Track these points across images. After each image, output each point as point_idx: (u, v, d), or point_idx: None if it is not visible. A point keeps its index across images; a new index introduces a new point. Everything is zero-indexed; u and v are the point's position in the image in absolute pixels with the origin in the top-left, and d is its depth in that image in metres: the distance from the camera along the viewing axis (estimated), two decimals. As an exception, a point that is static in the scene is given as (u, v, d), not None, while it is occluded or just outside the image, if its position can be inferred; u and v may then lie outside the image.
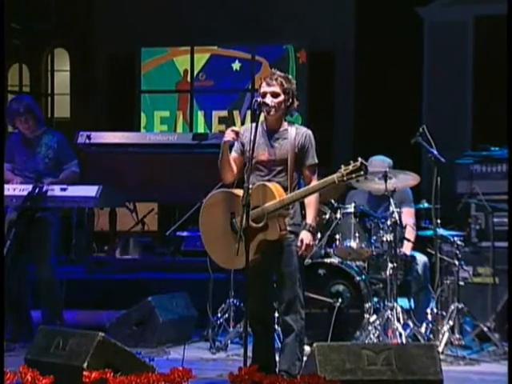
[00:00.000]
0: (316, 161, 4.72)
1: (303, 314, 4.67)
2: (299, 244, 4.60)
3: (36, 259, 6.27)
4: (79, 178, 6.60)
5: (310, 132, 4.74)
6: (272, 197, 4.51)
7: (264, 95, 4.64)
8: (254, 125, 4.55)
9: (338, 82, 11.57)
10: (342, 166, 4.39)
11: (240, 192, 4.49)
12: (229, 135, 4.63)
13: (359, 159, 4.37)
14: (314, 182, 4.65)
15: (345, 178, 4.37)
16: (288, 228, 4.60)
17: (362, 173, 4.35)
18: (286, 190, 4.60)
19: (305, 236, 4.61)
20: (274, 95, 4.64)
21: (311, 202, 4.66)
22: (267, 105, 4.60)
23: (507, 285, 5.87)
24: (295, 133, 4.68)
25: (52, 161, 6.37)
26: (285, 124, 4.74)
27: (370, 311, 5.87)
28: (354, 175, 4.35)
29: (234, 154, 4.79)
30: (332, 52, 11.57)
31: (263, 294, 4.72)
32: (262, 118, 4.63)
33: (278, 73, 4.74)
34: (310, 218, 4.66)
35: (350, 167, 4.36)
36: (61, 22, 12.54)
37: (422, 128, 6.01)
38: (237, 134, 4.63)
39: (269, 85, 4.66)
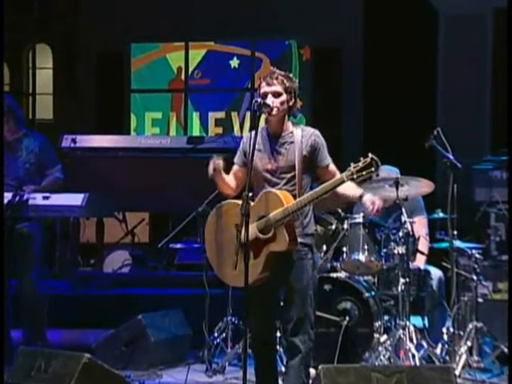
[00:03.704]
0: (330, 159, 4.75)
1: (312, 335, 4.66)
2: (369, 205, 4.68)
3: (17, 274, 6.27)
4: (63, 184, 6.61)
5: (317, 131, 4.76)
6: (279, 204, 4.53)
7: (265, 96, 4.67)
8: (254, 132, 4.56)
9: (345, 81, 11.57)
10: (352, 164, 4.42)
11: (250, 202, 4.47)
12: (210, 171, 4.69)
13: (369, 155, 4.40)
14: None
15: (354, 176, 4.39)
16: (300, 240, 4.60)
17: (372, 169, 4.37)
18: (296, 198, 4.59)
19: (372, 197, 4.71)
20: (276, 95, 4.67)
21: (346, 187, 4.63)
22: (268, 106, 4.61)
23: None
24: (301, 135, 4.71)
25: (33, 166, 6.38)
26: (289, 126, 4.76)
27: (381, 330, 5.88)
28: (364, 172, 4.37)
29: (235, 168, 4.84)
30: (338, 48, 11.56)
31: (268, 312, 4.72)
32: (262, 121, 4.65)
33: (278, 71, 4.78)
34: (358, 189, 4.71)
35: (360, 164, 4.39)
36: (43, 14, 12.55)
37: (437, 130, 6.03)
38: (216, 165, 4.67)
39: (269, 84, 4.69)
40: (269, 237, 4.52)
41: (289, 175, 4.66)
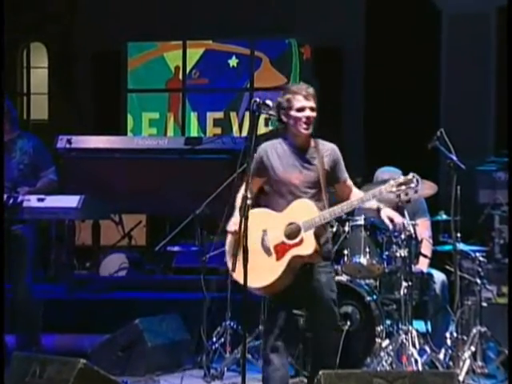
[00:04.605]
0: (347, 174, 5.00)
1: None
2: (387, 222, 4.89)
3: (10, 278, 6.26)
4: (57, 186, 6.60)
5: (336, 146, 4.96)
6: (311, 212, 4.72)
7: (302, 110, 4.81)
8: (275, 141, 4.85)
9: (347, 81, 11.56)
10: (391, 181, 4.73)
11: (273, 212, 4.79)
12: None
13: (411, 173, 4.72)
14: (357, 192, 4.94)
15: (394, 189, 4.70)
16: (325, 253, 4.82)
17: (412, 185, 4.70)
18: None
19: (390, 212, 4.92)
20: (313, 110, 4.85)
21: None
22: (267, 106, 4.68)
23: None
24: (323, 149, 4.88)
25: (27, 167, 6.38)
26: (311, 141, 4.91)
27: (383, 335, 5.87)
28: (403, 187, 4.70)
29: (251, 180, 4.92)
30: (339, 47, 11.56)
31: (288, 320, 4.84)
32: (262, 121, 4.70)
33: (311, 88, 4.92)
34: (375, 202, 4.93)
35: (401, 180, 4.71)
36: (38, 12, 12.53)
37: (440, 131, 6.02)
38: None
39: (307, 99, 4.84)
40: (295, 242, 4.69)
41: (314, 190, 4.83)
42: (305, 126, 4.80)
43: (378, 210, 4.94)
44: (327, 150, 4.88)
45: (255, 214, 4.79)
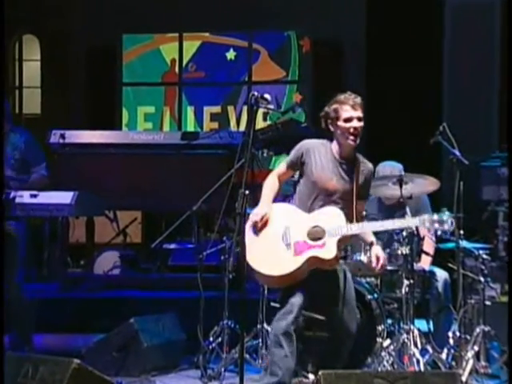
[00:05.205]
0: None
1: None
2: (374, 260, 4.95)
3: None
4: (49, 182, 6.59)
5: (372, 167, 5.10)
6: (339, 221, 4.84)
7: (349, 120, 4.88)
8: (319, 141, 4.94)
9: (347, 75, 11.56)
10: (426, 215, 4.94)
11: (299, 210, 4.92)
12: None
13: (446, 214, 4.93)
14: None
15: (427, 224, 4.91)
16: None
17: (446, 227, 4.88)
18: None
19: (380, 252, 4.99)
20: (360, 120, 4.91)
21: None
22: (266, 99, 4.69)
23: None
24: (362, 166, 5.00)
25: (18, 163, 6.37)
26: (355, 154, 5.00)
27: (384, 335, 5.88)
28: (437, 225, 4.89)
29: (284, 168, 5.08)
30: (340, 40, 11.55)
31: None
32: (260, 116, 4.73)
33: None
34: (372, 236, 5.06)
35: (435, 217, 4.89)
36: (30, 3, 12.52)
37: (443, 126, 6.03)
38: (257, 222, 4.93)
39: (355, 109, 4.92)
40: (318, 244, 4.81)
41: (344, 201, 4.92)
42: (352, 137, 4.87)
43: (371, 244, 5.04)
44: (365, 169, 5.00)
45: (282, 207, 4.98)
